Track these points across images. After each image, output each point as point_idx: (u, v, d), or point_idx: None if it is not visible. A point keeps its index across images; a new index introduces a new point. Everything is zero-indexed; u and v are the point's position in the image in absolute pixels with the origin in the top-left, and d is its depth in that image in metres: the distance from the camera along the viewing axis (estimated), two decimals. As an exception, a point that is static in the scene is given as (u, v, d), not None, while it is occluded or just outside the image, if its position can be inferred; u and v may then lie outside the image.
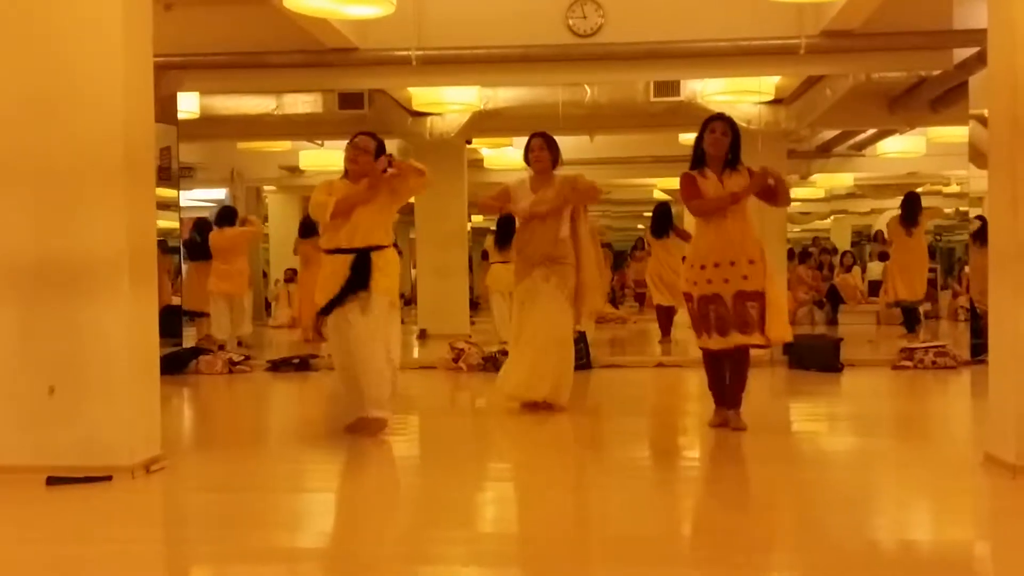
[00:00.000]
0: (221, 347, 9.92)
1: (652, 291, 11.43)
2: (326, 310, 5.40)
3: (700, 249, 5.48)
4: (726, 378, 5.57)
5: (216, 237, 10.60)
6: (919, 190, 18.87)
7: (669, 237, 10.94)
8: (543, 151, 6.20)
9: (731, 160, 5.49)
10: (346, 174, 5.53)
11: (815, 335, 10.36)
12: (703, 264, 5.40)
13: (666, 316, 10.96)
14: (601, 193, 6.48)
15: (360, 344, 5.30)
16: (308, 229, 11.50)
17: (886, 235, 12.22)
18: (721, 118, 5.59)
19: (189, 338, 10.23)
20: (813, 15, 7.93)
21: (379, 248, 5.38)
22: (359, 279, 5.29)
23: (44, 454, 4.49)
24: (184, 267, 10.96)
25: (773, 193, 5.53)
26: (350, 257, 5.32)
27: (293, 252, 13.02)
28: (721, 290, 5.34)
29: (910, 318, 11.13)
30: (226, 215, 11.00)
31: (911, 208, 11.04)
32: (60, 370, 4.53)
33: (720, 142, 5.46)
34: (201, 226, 11.30)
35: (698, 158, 5.53)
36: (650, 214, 12.38)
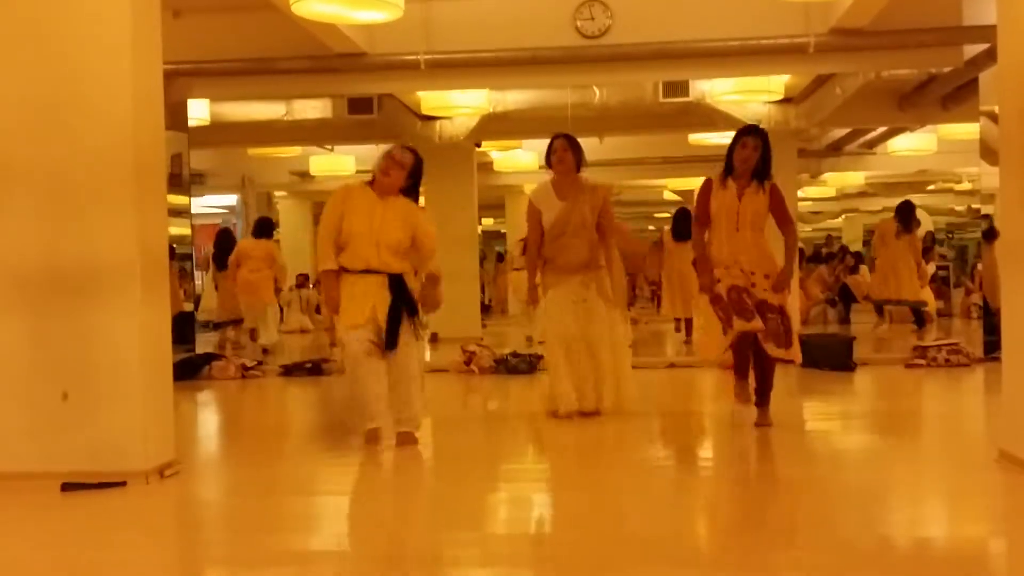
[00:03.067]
0: (266, 350, 10.35)
1: (666, 301, 11.42)
2: (392, 344, 5.19)
3: (722, 255, 5.57)
4: (751, 359, 5.68)
5: (249, 246, 10.84)
6: (930, 188, 18.88)
7: (687, 241, 10.91)
8: (567, 152, 6.05)
9: (759, 174, 5.54)
10: (371, 182, 5.28)
11: (828, 334, 10.34)
12: (727, 265, 5.53)
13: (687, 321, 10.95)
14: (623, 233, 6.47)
15: (414, 365, 5.30)
16: None
17: (876, 236, 12.44)
18: (754, 132, 5.63)
19: (209, 344, 10.37)
20: (821, 13, 7.92)
21: (405, 272, 5.33)
22: (408, 305, 5.23)
23: (58, 460, 4.51)
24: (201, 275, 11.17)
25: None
26: (383, 278, 5.18)
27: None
28: (746, 284, 5.48)
29: (881, 312, 11.78)
30: (264, 226, 11.19)
31: (908, 216, 11.41)
32: (73, 377, 4.55)
33: (750, 159, 5.54)
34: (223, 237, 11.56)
35: (728, 167, 5.59)
36: (661, 215, 12.38)
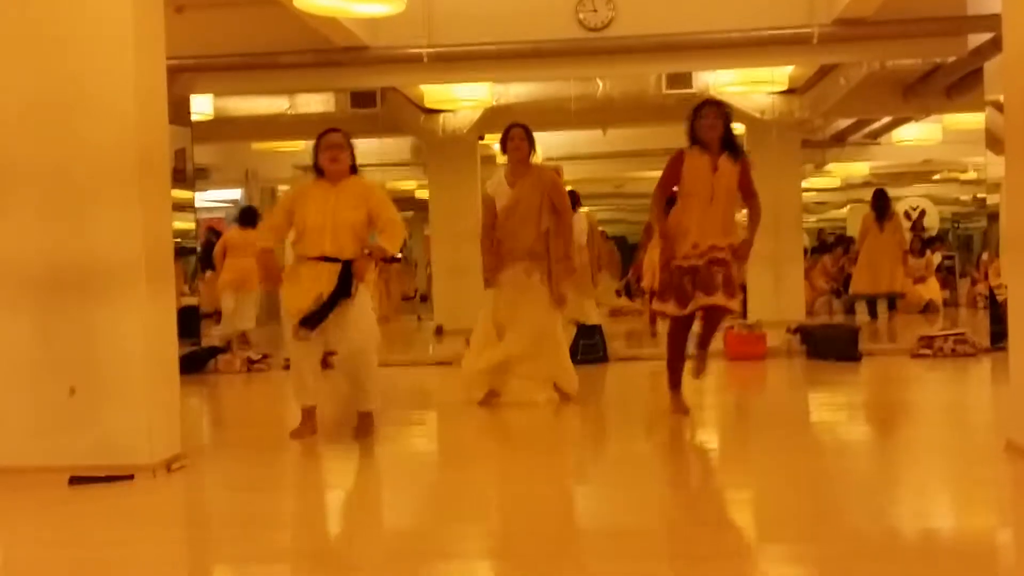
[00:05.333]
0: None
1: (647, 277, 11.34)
2: (310, 323, 5.28)
3: (690, 228, 5.48)
4: (684, 356, 5.80)
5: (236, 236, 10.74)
6: (935, 178, 18.82)
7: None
8: (523, 141, 6.25)
9: (727, 145, 5.54)
10: (320, 173, 5.36)
11: (833, 324, 10.34)
12: (691, 240, 5.46)
13: None
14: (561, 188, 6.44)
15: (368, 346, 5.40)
16: None
17: (860, 229, 12.38)
18: (711, 103, 5.70)
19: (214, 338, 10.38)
20: (825, 3, 7.90)
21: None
22: (346, 292, 5.25)
23: (66, 455, 4.52)
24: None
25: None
26: (335, 267, 5.20)
27: None
28: (699, 261, 5.46)
29: (873, 308, 11.71)
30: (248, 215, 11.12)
31: (882, 203, 11.39)
32: (80, 372, 4.57)
33: (715, 127, 5.52)
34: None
35: (693, 141, 5.58)
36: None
